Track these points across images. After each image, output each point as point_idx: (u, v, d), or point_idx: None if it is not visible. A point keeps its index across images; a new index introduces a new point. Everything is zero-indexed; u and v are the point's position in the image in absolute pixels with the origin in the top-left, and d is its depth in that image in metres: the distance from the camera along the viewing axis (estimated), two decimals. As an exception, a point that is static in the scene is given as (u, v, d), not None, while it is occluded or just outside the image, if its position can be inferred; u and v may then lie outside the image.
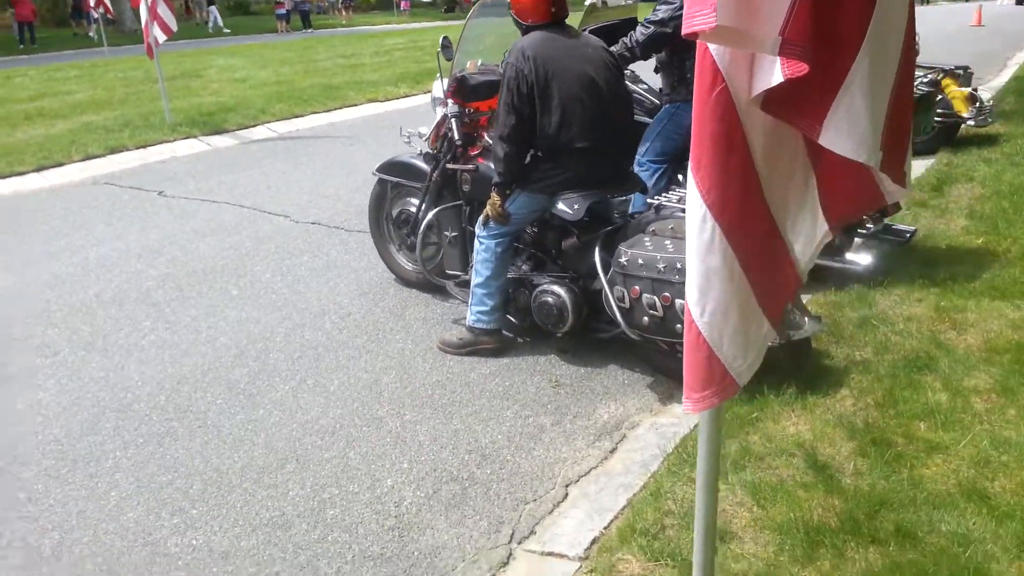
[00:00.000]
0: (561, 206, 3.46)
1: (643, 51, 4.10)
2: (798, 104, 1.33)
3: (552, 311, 3.53)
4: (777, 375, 3.11)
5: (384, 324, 4.00)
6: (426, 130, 4.35)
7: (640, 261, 3.12)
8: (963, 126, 6.81)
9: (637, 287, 3.13)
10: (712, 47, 1.33)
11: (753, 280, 1.50)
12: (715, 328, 1.48)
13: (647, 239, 3.23)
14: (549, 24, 3.42)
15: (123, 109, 10.24)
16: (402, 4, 38.04)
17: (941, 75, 6.60)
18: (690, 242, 1.46)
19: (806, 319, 3.17)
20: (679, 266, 2.94)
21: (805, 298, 3.89)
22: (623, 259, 3.20)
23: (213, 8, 28.49)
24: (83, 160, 7.65)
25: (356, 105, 10.65)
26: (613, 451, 2.95)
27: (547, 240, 3.73)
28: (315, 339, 3.84)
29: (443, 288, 4.15)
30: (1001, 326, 3.45)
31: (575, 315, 3.50)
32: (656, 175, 4.26)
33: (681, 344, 1.77)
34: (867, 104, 1.35)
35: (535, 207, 3.56)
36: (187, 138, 8.57)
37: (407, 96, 11.26)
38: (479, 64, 4.49)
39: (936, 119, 6.44)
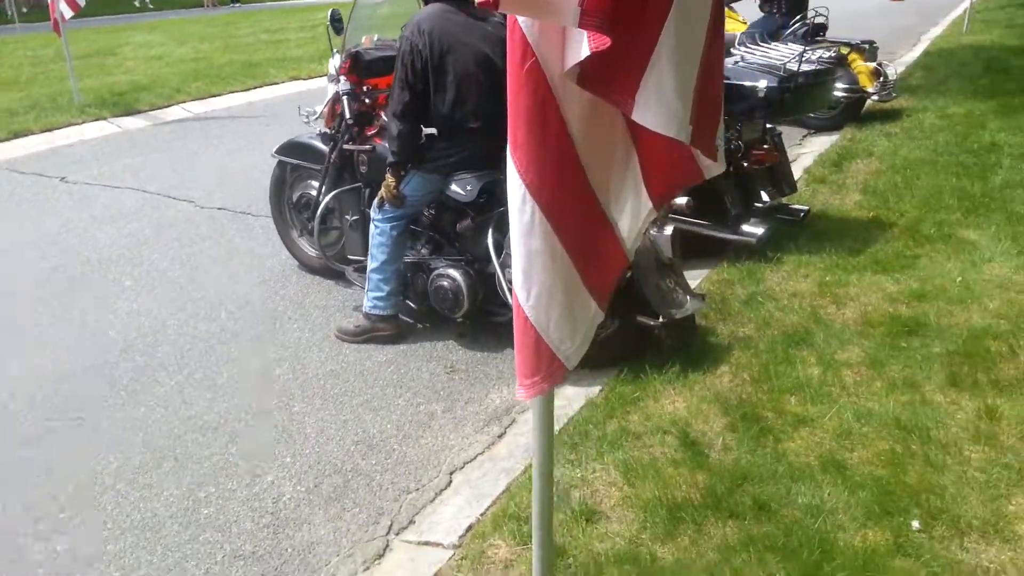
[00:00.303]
0: (454, 187, 3.43)
1: None
2: (610, 79, 1.32)
3: (448, 295, 3.51)
4: (662, 354, 3.18)
5: (282, 313, 3.94)
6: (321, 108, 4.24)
7: None
8: (868, 101, 6.98)
9: (528, 270, 3.13)
10: (520, 19, 1.31)
11: (577, 261, 1.49)
12: (541, 311, 1.48)
13: (539, 221, 3.23)
14: None
15: (30, 90, 9.77)
16: (335, -24, 37.00)
17: (848, 50, 6.72)
18: (512, 225, 1.44)
19: (688, 297, 3.23)
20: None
21: (699, 274, 3.97)
22: (515, 241, 3.19)
23: None
24: (-18, 145, 7.30)
25: (277, 83, 10.34)
26: (501, 436, 2.97)
27: (444, 222, 3.69)
28: (208, 330, 3.76)
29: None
30: (878, 300, 3.57)
31: (471, 299, 3.49)
32: None
33: None
34: (675, 79, 1.35)
35: (430, 188, 3.51)
36: (96, 120, 8.21)
37: (331, 73, 10.98)
38: (375, 39, 4.39)
39: (842, 95, 6.57)
